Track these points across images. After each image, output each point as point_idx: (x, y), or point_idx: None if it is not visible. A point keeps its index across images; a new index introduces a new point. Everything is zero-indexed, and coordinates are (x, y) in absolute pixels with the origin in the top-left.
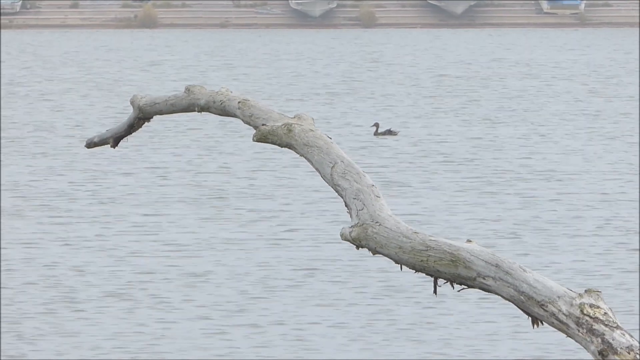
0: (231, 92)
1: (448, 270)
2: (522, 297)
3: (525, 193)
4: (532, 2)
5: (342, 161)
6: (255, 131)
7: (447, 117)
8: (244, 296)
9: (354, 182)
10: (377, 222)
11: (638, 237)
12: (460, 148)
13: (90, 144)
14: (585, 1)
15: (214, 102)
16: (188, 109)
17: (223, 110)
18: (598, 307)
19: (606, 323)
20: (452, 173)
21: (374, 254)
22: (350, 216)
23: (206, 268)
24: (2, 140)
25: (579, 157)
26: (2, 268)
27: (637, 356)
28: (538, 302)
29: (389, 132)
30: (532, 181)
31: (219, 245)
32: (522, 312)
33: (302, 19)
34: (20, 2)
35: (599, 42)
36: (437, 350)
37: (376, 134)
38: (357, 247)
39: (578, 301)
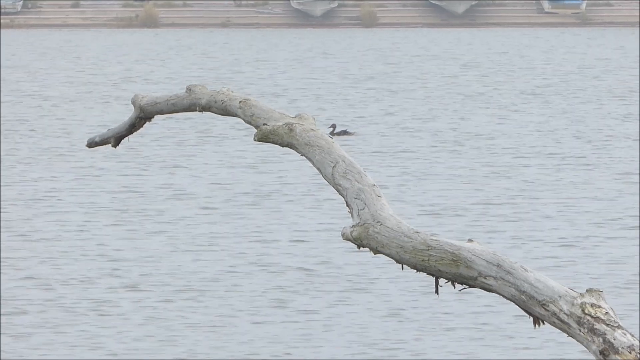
0: (232, 91)
1: (449, 270)
2: (523, 297)
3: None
4: (534, 1)
5: (343, 161)
6: (256, 131)
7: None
8: (247, 295)
9: (355, 181)
10: (378, 222)
11: (638, 236)
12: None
13: (92, 144)
14: (586, 1)
15: (215, 101)
16: (189, 108)
17: (224, 110)
18: (599, 306)
19: (607, 323)
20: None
21: (375, 253)
22: (352, 216)
23: (211, 266)
24: (2, 141)
25: (579, 157)
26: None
27: (639, 356)
28: (539, 301)
29: (345, 133)
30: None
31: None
32: (523, 311)
33: (303, 19)
34: (22, 2)
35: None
36: (438, 349)
37: (332, 134)
38: (359, 247)
39: (579, 301)
